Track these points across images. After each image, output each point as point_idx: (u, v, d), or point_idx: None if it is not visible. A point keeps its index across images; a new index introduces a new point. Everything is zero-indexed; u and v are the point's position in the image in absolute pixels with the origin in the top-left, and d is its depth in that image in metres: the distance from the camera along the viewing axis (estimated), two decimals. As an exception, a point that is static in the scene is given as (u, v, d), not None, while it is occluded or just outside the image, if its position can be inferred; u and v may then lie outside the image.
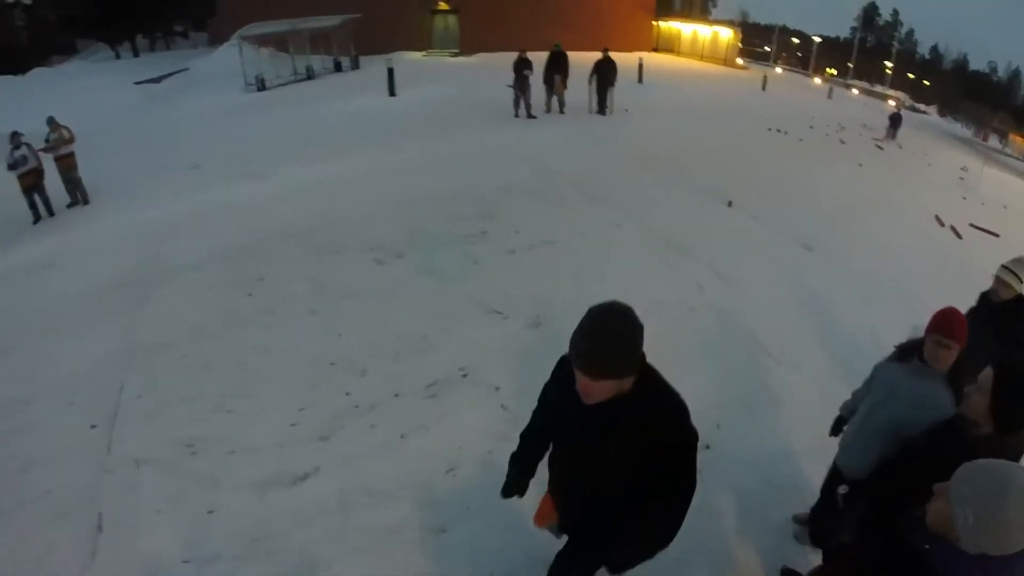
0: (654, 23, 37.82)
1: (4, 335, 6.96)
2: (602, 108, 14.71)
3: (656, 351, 4.95)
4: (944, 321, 2.75)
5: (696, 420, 2.15)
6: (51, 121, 11.54)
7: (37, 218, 11.06)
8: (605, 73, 14.52)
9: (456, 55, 26.67)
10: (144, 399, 5.44)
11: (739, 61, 35.53)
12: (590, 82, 14.67)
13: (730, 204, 8.11)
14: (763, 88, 25.38)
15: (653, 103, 16.03)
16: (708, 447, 4.22)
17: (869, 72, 75.21)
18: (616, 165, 9.87)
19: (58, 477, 4.72)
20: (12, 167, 10.76)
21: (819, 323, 5.87)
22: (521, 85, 14.19)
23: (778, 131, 13.75)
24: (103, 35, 33.15)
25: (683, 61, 34.46)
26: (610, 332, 1.89)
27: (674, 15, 40.23)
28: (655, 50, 36.42)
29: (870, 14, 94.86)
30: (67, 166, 11.41)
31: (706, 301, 5.92)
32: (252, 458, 4.59)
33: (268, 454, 4.60)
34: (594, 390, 1.94)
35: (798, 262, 6.88)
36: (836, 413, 3.62)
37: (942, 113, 74.62)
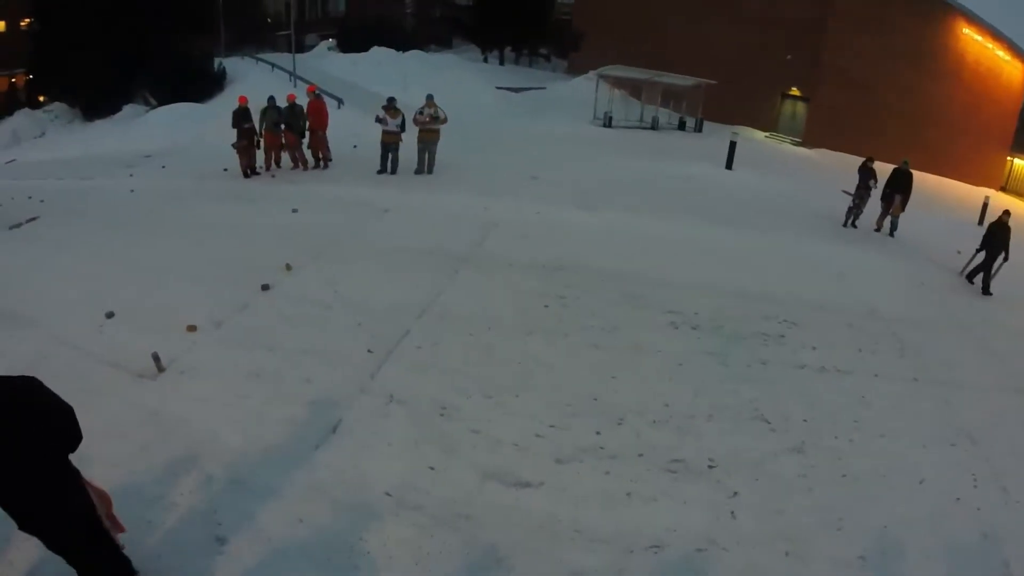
0: (1008, 159, 32.70)
1: (336, 251, 8.52)
2: (986, 286, 10.67)
3: (898, 531, 4.58)
4: None
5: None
6: (430, 98, 13.35)
7: (382, 170, 13.30)
8: (1000, 240, 10.80)
9: (797, 144, 25.70)
10: (422, 352, 6.28)
11: (1098, 224, 28.90)
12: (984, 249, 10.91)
13: None
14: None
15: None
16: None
17: None
18: (937, 320, 8.71)
19: (321, 374, 5.72)
20: (379, 121, 12.82)
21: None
22: (861, 194, 13.25)
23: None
24: (479, 39, 37.82)
25: (1032, 209, 29.11)
26: None
27: (1031, 154, 34.11)
28: (1003, 189, 31.41)
29: None
30: (430, 139, 13.18)
31: (975, 500, 4.99)
32: (490, 446, 5.03)
33: (505, 450, 4.99)
34: None
35: None
36: None
37: None
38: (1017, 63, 31.05)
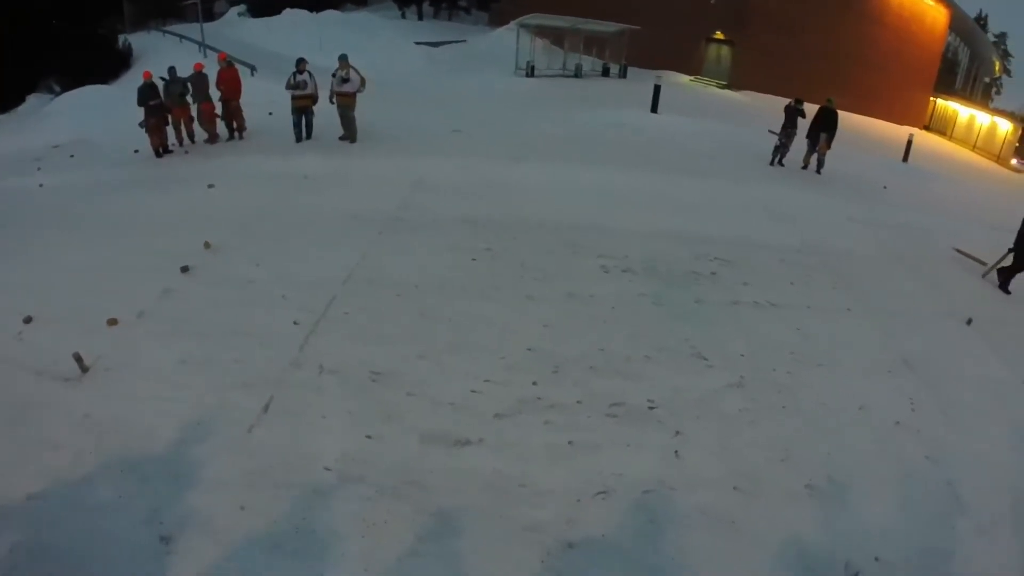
0: (931, 99, 34.03)
1: (257, 224, 8.06)
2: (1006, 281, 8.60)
3: (842, 458, 4.61)
4: None
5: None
6: (343, 59, 12.43)
7: (299, 138, 12.59)
8: None
9: (723, 87, 25.99)
10: (350, 318, 6.01)
11: (1013, 162, 30.44)
12: None
13: (969, 322, 7.01)
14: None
15: (915, 190, 14.23)
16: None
17: None
18: (867, 251, 8.87)
19: (250, 353, 5.42)
20: (290, 88, 12.17)
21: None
22: (788, 133, 13.39)
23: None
24: (397, -5, 36.69)
25: (953, 147, 30.37)
26: None
27: (954, 95, 35.69)
28: (926, 128, 32.67)
29: None
30: (345, 103, 12.48)
31: (915, 423, 5.14)
32: (426, 408, 4.84)
33: (442, 410, 4.82)
34: None
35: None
36: None
37: None
38: (940, 7, 32.04)
